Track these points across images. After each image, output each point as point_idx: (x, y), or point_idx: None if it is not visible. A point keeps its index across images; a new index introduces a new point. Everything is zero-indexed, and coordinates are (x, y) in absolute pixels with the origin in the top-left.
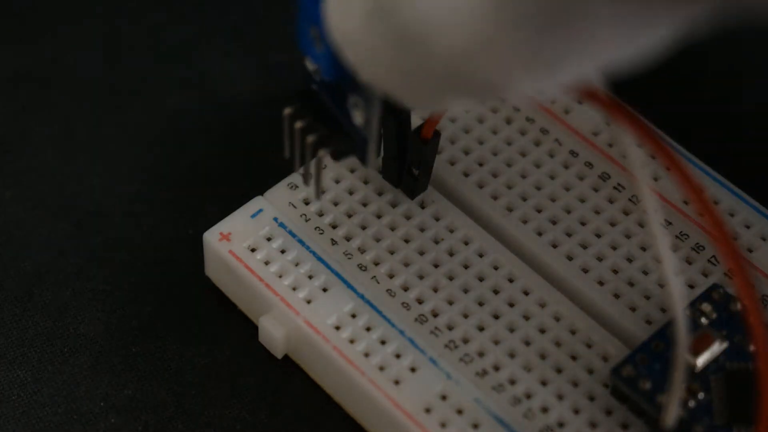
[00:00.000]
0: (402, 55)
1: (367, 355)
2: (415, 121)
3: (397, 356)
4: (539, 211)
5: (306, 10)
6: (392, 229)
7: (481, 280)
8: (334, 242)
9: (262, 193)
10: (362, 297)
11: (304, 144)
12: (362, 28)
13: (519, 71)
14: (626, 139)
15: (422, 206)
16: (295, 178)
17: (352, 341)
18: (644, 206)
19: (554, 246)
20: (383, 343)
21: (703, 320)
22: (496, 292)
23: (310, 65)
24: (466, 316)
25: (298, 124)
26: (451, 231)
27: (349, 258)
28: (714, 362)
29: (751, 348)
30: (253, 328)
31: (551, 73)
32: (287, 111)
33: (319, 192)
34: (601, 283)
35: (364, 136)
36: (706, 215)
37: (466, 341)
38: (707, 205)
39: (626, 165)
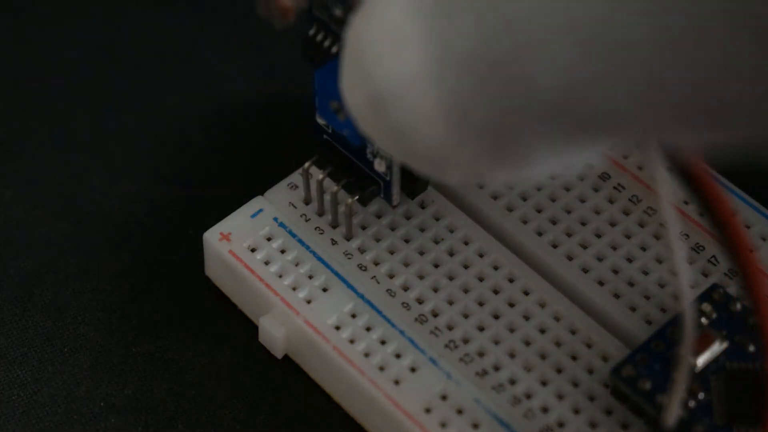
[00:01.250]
0: (395, 143)
1: (367, 355)
2: None
3: (397, 356)
4: (539, 212)
5: (324, 88)
6: (392, 229)
7: (481, 280)
8: (334, 242)
9: (262, 193)
10: (362, 297)
11: (330, 193)
12: (365, 113)
13: (487, 170)
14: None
15: (422, 206)
16: (295, 178)
17: (352, 341)
18: (662, 219)
19: (554, 246)
20: (383, 343)
21: (703, 320)
22: (496, 292)
23: (319, 120)
24: (466, 316)
25: (320, 176)
26: (452, 231)
27: (349, 258)
28: (714, 362)
29: (752, 348)
30: (253, 329)
31: (518, 172)
32: (307, 164)
33: (351, 234)
34: (601, 283)
35: (387, 180)
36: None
37: (466, 341)
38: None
39: (644, 178)
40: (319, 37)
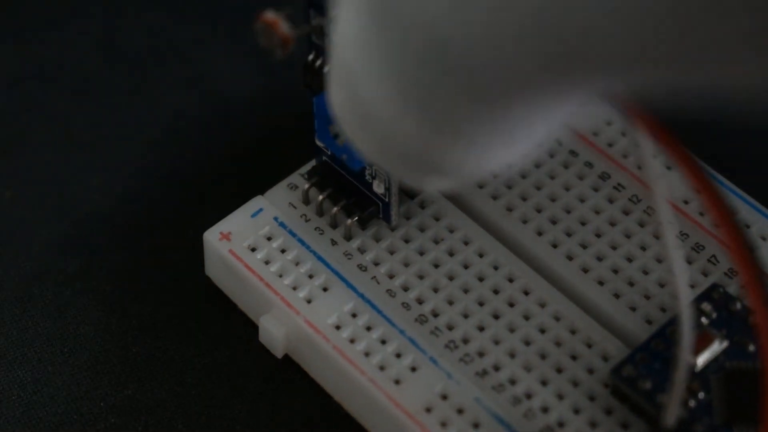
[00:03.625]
0: (374, 143)
1: (367, 354)
2: None
3: (398, 356)
4: (539, 211)
5: (323, 113)
6: (392, 229)
7: (481, 280)
8: (334, 242)
9: (262, 193)
10: (362, 297)
11: (330, 212)
12: (345, 110)
13: (456, 154)
14: (644, 149)
15: (422, 206)
16: (296, 178)
17: (352, 341)
18: (659, 218)
19: (554, 246)
20: (383, 342)
21: (703, 320)
22: (496, 292)
23: (319, 142)
24: (466, 316)
25: (320, 198)
26: (451, 231)
27: (350, 258)
28: (714, 361)
29: (752, 348)
30: (253, 328)
31: (484, 164)
32: (306, 186)
33: (350, 234)
34: (601, 283)
35: (386, 202)
36: (741, 266)
37: (466, 341)
38: (744, 253)
39: (642, 177)
40: (318, 63)
